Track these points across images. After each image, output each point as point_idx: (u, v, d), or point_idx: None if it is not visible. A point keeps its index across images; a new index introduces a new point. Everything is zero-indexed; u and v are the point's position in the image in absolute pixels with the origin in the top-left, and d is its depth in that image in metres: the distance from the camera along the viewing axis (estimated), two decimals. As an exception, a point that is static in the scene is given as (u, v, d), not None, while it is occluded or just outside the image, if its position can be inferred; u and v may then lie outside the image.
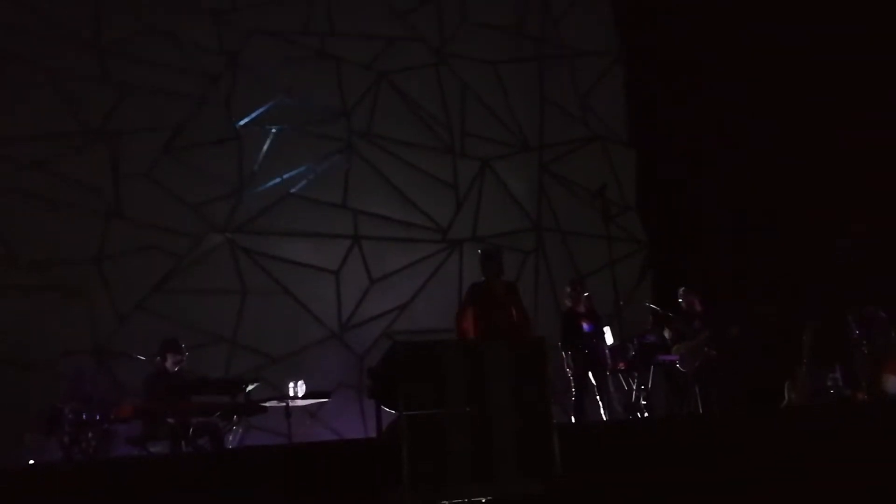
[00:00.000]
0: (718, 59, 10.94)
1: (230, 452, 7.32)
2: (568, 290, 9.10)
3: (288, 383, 8.39)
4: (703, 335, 8.97)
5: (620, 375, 9.25)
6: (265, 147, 10.31)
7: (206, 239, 9.88)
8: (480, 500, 4.69)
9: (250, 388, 7.65)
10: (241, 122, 10.26)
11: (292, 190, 10.34)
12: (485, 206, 11.16)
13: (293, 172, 10.36)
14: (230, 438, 7.91)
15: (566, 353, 8.69)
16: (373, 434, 6.76)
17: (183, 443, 7.20)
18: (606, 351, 8.83)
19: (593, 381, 8.63)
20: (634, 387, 9.23)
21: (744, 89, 10.96)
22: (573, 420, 8.49)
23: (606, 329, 9.06)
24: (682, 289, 9.34)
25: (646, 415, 9.01)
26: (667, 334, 9.25)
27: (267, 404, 7.97)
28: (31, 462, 7.28)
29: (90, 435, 7.33)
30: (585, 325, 8.75)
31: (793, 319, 9.24)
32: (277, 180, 10.30)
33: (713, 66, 11.03)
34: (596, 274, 10.38)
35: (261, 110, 10.33)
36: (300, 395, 8.27)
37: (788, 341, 9.18)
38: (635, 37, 11.97)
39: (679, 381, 9.30)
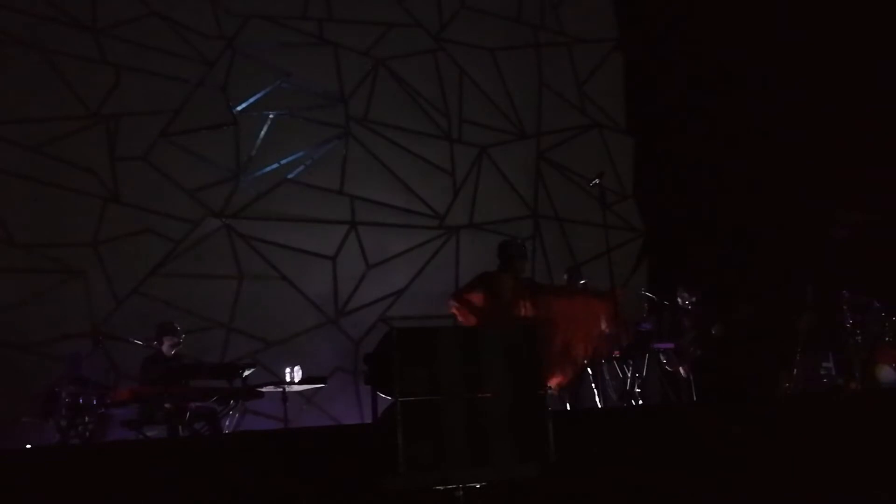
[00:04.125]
0: (718, 47, 10.93)
1: (227, 437, 7.36)
2: (564, 277, 9.14)
3: (284, 368, 8.43)
4: (690, 334, 9.07)
5: (615, 363, 9.30)
6: (262, 132, 10.29)
7: (202, 224, 9.88)
8: (475, 486, 4.72)
9: (247, 372, 7.68)
10: (239, 108, 10.24)
11: (289, 175, 10.34)
12: (482, 192, 11.17)
13: (290, 158, 10.36)
14: (226, 423, 7.95)
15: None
16: (369, 419, 6.80)
17: (179, 427, 7.23)
18: (602, 338, 8.85)
19: (588, 369, 8.66)
20: (629, 374, 9.29)
21: (743, 77, 10.96)
22: (568, 407, 8.53)
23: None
24: (682, 287, 9.40)
25: (640, 402, 9.07)
26: (648, 325, 9.35)
27: (263, 389, 8.01)
28: (28, 445, 7.31)
29: (87, 418, 7.35)
30: (581, 313, 8.77)
31: (774, 318, 9.33)
32: (275, 166, 10.29)
33: (712, 55, 11.03)
34: (592, 261, 10.41)
35: (258, 95, 10.31)
36: (296, 380, 8.30)
37: (770, 339, 9.28)
38: (634, 24, 11.95)
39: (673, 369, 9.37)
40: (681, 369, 9.17)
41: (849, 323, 8.83)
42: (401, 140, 10.87)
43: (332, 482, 5.20)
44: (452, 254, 10.81)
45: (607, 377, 8.89)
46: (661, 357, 9.30)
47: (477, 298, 7.21)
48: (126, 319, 9.15)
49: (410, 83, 11.06)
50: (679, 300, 9.41)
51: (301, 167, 10.41)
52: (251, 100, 10.30)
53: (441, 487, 4.69)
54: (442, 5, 11.44)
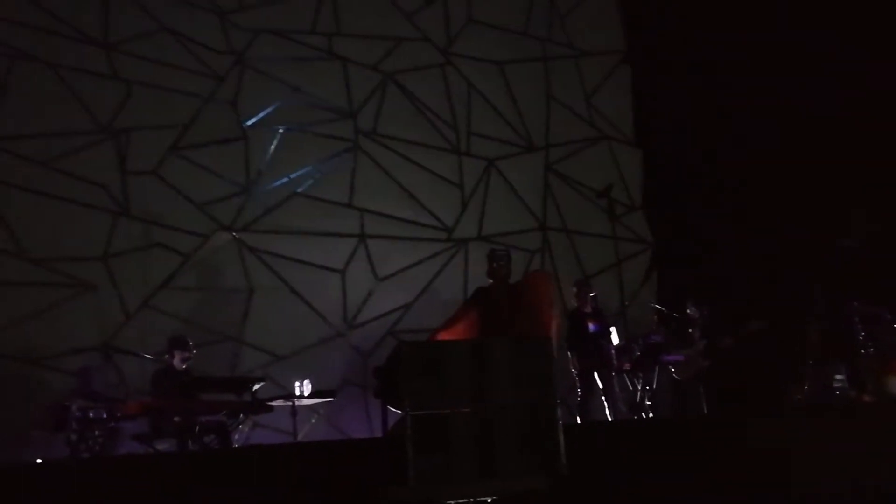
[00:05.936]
0: (725, 58, 10.94)
1: (236, 450, 7.36)
2: (574, 289, 9.13)
3: (294, 382, 8.44)
4: (700, 345, 9.05)
5: (625, 375, 9.27)
6: (272, 146, 10.34)
7: (212, 237, 9.91)
8: (486, 500, 4.70)
9: (256, 386, 7.68)
10: (249, 122, 10.29)
11: (299, 189, 10.37)
12: (490, 205, 11.17)
13: (300, 172, 10.39)
14: (236, 437, 7.95)
15: (572, 353, 8.71)
16: (378, 433, 6.78)
17: (189, 441, 7.24)
18: (612, 351, 8.84)
19: (598, 382, 8.64)
20: (639, 387, 9.26)
21: (750, 89, 10.96)
22: (578, 420, 8.50)
23: (612, 329, 9.08)
24: (690, 302, 9.39)
25: (650, 415, 9.03)
26: (658, 337, 9.34)
27: (273, 403, 8.01)
28: (38, 460, 7.32)
29: (97, 432, 7.35)
30: (591, 325, 8.78)
31: (789, 328, 9.30)
32: (284, 179, 10.32)
33: (719, 66, 11.04)
34: (602, 274, 10.39)
35: (268, 110, 10.35)
36: (306, 393, 8.31)
37: (781, 350, 9.25)
38: (641, 36, 11.97)
39: (683, 381, 9.33)
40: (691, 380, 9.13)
41: (860, 334, 8.79)
42: (409, 153, 10.89)
43: (341, 496, 5.20)
44: (461, 266, 10.81)
45: (617, 390, 8.87)
46: (671, 368, 9.27)
47: (472, 314, 7.07)
48: (136, 333, 9.18)
49: (419, 97, 11.09)
50: (688, 312, 9.39)
51: (310, 181, 10.44)
52: (261, 114, 10.34)
53: (451, 501, 4.68)
54: (450, 19, 11.48)
